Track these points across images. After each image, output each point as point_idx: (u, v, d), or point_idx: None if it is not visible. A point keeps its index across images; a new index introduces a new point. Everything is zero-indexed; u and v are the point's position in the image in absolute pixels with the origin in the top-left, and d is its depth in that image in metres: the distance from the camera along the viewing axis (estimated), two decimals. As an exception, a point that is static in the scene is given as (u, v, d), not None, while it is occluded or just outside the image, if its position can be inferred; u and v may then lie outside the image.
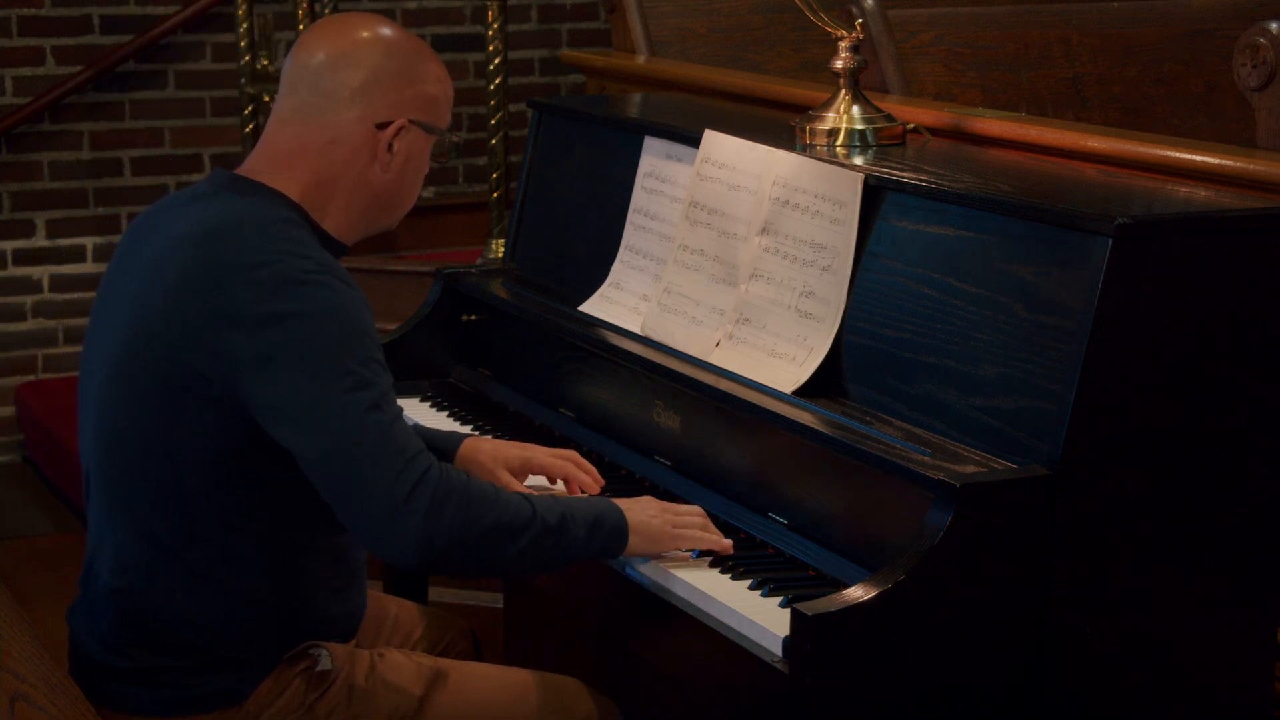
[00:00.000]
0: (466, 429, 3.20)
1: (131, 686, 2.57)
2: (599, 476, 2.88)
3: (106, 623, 2.58)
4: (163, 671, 2.56)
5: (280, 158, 2.62)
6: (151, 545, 2.53)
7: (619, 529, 2.60)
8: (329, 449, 2.43)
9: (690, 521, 2.65)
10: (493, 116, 4.70)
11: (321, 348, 2.44)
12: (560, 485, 2.89)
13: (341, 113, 2.60)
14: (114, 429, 2.56)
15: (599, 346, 3.08)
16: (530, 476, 2.90)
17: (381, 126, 2.62)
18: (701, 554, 2.63)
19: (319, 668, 2.61)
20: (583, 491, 2.86)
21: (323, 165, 2.61)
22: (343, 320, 2.47)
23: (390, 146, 2.63)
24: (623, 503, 2.64)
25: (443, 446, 2.90)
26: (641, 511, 2.63)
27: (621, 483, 2.90)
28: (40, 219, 5.87)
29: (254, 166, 2.63)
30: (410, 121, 2.64)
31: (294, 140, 2.62)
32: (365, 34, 2.64)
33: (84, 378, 2.65)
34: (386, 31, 2.65)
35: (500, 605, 3.88)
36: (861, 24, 3.08)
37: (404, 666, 2.71)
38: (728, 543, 2.63)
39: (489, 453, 2.88)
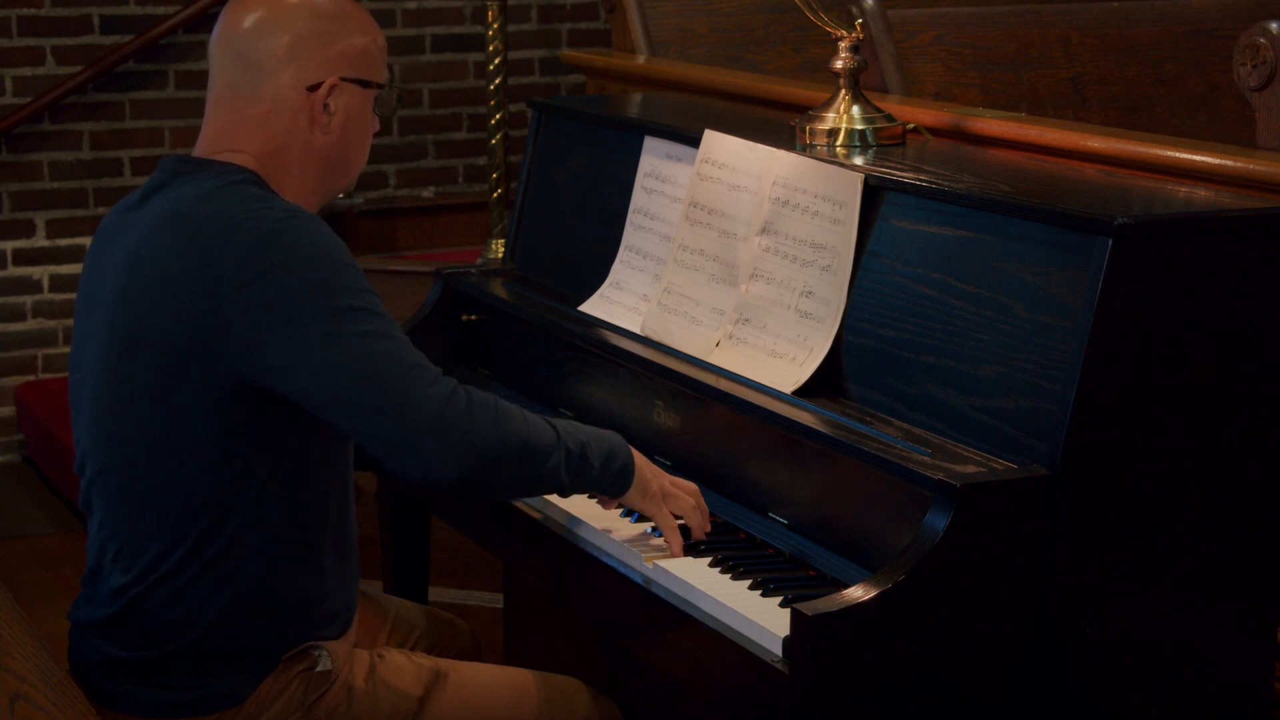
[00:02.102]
0: (466, 429, 3.20)
1: (133, 687, 2.58)
2: None
3: (110, 621, 2.58)
4: (164, 672, 2.56)
5: (224, 135, 2.62)
6: (158, 541, 2.54)
7: (626, 470, 2.64)
8: (352, 385, 2.43)
9: (683, 498, 2.67)
10: (493, 116, 4.70)
11: (312, 292, 2.44)
12: None
13: (272, 82, 2.59)
14: (114, 429, 2.56)
15: (599, 346, 3.08)
16: None
17: (313, 89, 2.61)
18: (691, 548, 2.63)
19: (318, 668, 2.61)
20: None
21: (266, 137, 2.60)
22: (325, 260, 2.47)
23: (327, 108, 2.61)
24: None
25: None
26: (646, 466, 2.67)
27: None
28: (40, 219, 5.87)
29: (204, 148, 2.64)
30: (342, 79, 2.62)
31: (233, 116, 2.61)
32: None
33: (75, 385, 2.65)
34: None
35: (500, 605, 3.88)
36: (861, 24, 3.08)
37: (404, 667, 2.71)
38: (703, 525, 2.67)
39: None
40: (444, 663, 2.78)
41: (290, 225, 2.49)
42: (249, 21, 2.60)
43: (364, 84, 2.65)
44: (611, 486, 2.64)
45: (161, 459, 2.52)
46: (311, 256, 2.47)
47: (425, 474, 2.49)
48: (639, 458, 2.67)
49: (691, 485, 2.71)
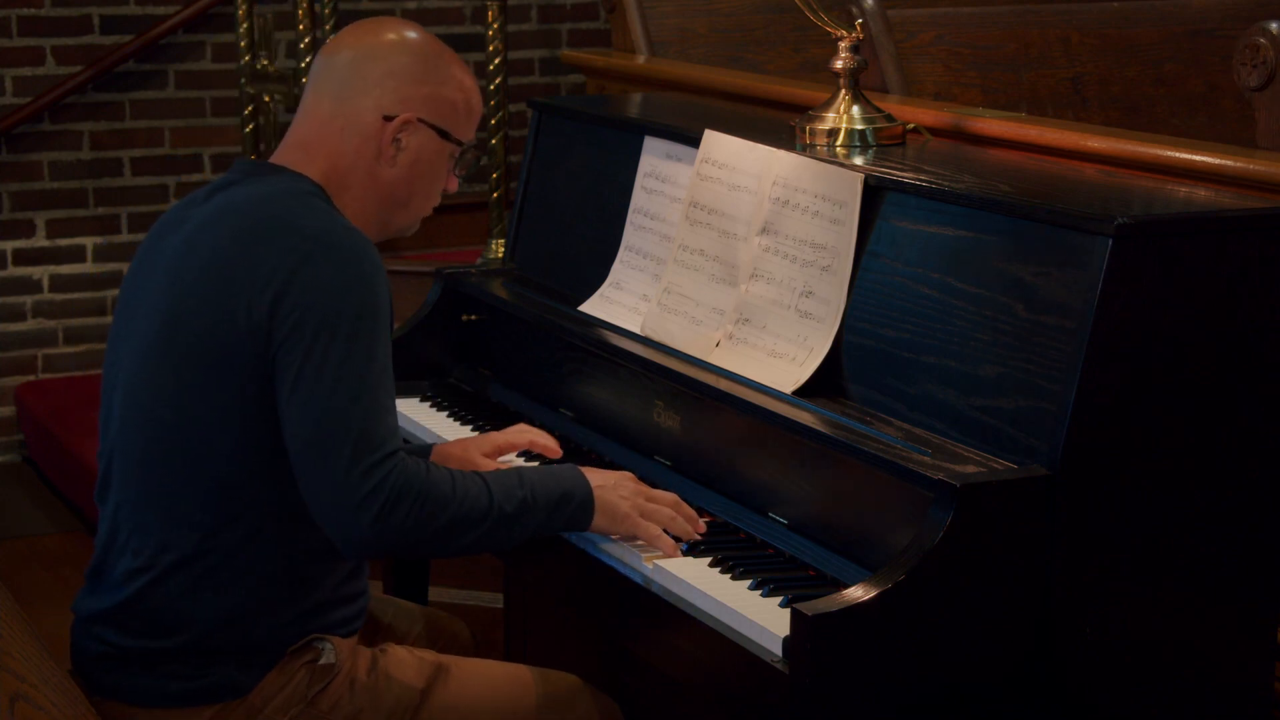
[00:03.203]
0: (466, 429, 3.21)
1: (137, 677, 2.58)
2: (551, 440, 2.92)
3: (119, 609, 2.58)
4: (170, 662, 2.57)
5: (301, 145, 2.68)
6: (172, 528, 2.55)
7: (585, 506, 2.64)
8: (307, 429, 2.46)
9: (660, 509, 2.66)
10: (493, 116, 4.70)
11: (329, 320, 2.47)
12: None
13: (356, 101, 2.66)
14: (149, 416, 2.57)
15: (599, 346, 3.08)
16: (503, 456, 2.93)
17: (389, 119, 2.65)
18: (691, 548, 2.63)
19: (322, 660, 2.63)
20: (545, 459, 2.92)
21: (337, 153, 2.66)
22: (361, 291, 2.50)
23: (397, 141, 2.66)
24: (597, 477, 2.67)
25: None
26: (613, 490, 2.66)
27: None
28: (40, 219, 5.87)
29: (279, 154, 2.70)
30: (419, 120, 2.67)
31: (313, 128, 2.68)
32: (392, 35, 2.71)
33: (110, 367, 2.68)
34: (413, 35, 2.72)
35: (500, 605, 3.88)
36: (861, 24, 3.08)
37: (406, 661, 2.72)
38: (690, 530, 2.66)
39: (458, 457, 2.88)
40: (446, 658, 2.78)
41: (345, 243, 2.53)
42: (358, 46, 2.69)
43: (443, 134, 2.70)
44: (571, 524, 2.64)
45: (191, 446, 2.54)
46: (349, 283, 2.50)
47: (334, 540, 2.52)
48: (603, 484, 2.66)
49: (669, 495, 2.70)
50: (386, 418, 2.50)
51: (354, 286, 2.50)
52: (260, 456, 2.53)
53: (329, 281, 2.49)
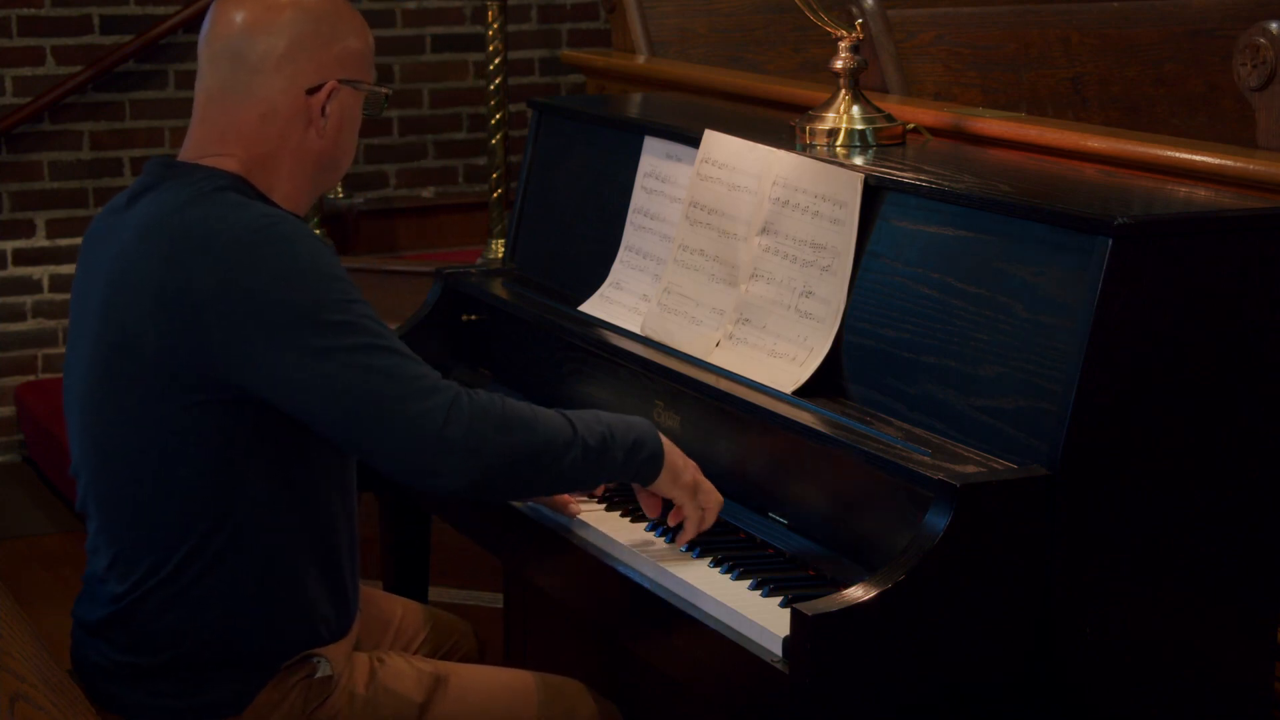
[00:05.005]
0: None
1: (130, 692, 2.56)
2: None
3: (109, 622, 2.57)
4: (162, 678, 2.55)
5: (212, 138, 2.57)
6: (153, 552, 2.52)
7: (655, 457, 2.61)
8: (345, 403, 2.41)
9: (711, 495, 2.65)
10: (493, 116, 4.70)
11: (295, 307, 2.41)
12: None
13: (268, 84, 2.55)
14: (103, 438, 2.54)
15: (599, 346, 3.08)
16: None
17: (311, 91, 2.57)
18: (698, 553, 2.63)
19: (318, 674, 2.60)
20: (594, 497, 2.87)
21: (259, 140, 2.56)
22: (308, 272, 2.43)
23: (323, 110, 2.58)
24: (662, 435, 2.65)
25: None
26: (679, 454, 2.64)
27: (622, 486, 2.90)
28: (40, 219, 5.88)
29: (191, 151, 2.60)
30: (340, 82, 2.59)
31: (225, 118, 2.57)
32: None
33: (66, 390, 2.63)
34: None
35: (500, 605, 3.88)
36: (861, 24, 3.08)
37: (404, 673, 2.70)
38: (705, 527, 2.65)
39: None
40: (444, 666, 2.77)
41: (270, 235, 2.44)
42: (243, 20, 2.55)
43: (356, 84, 2.62)
44: (639, 474, 2.61)
45: (151, 469, 2.50)
46: (292, 269, 2.43)
47: (432, 486, 2.47)
48: (670, 446, 2.65)
49: (718, 495, 2.68)
50: (407, 357, 2.45)
51: (296, 276, 2.42)
52: (226, 474, 2.48)
53: (268, 286, 2.41)
